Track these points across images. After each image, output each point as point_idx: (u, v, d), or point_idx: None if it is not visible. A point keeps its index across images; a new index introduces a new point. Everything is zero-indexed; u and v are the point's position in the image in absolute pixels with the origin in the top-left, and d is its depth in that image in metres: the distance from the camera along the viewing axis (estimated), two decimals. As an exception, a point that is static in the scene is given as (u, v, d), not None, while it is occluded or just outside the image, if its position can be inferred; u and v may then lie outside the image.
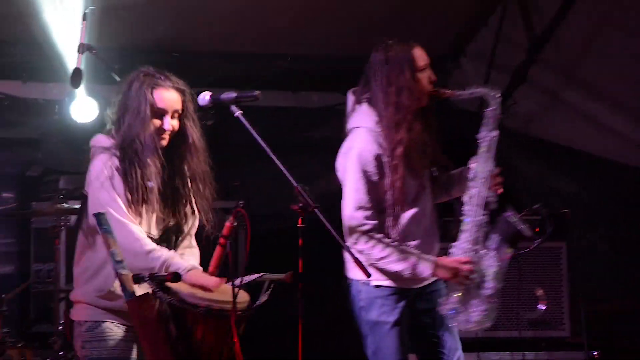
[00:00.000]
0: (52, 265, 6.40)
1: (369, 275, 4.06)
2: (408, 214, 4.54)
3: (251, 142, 4.15)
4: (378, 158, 4.49)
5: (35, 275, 6.96)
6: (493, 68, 7.47)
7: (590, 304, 6.59)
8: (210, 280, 4.16)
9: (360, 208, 4.49)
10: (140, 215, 4.26)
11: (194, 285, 4.12)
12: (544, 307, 6.59)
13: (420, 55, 4.57)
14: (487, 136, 4.54)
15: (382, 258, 4.49)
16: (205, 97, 4.25)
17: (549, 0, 6.88)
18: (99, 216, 4.06)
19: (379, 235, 4.49)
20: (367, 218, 4.49)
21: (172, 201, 4.38)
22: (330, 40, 7.34)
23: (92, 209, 4.20)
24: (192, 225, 4.46)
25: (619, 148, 7.11)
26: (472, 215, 4.49)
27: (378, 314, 4.56)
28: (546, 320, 6.60)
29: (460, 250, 4.52)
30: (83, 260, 4.32)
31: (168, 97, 4.33)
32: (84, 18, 5.95)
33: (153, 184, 4.27)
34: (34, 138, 7.54)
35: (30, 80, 7.50)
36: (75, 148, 7.23)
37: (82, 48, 5.92)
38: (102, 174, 4.23)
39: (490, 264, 4.46)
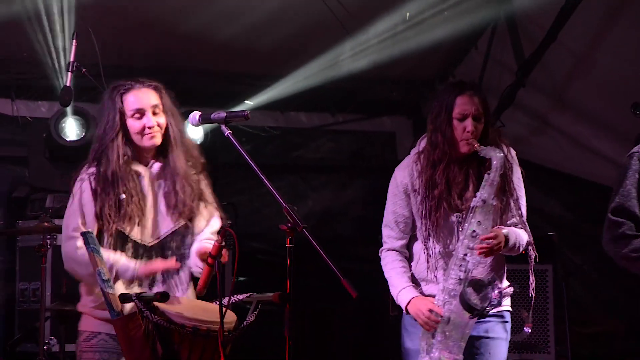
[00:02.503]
0: (37, 285, 6.36)
1: (355, 294, 4.03)
2: (433, 247, 4.53)
3: (240, 162, 4.15)
4: (405, 186, 4.58)
5: (21, 294, 6.91)
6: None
7: (575, 326, 6.60)
8: (161, 263, 4.33)
9: (385, 226, 4.66)
10: (128, 225, 4.32)
11: (148, 275, 4.30)
12: (529, 330, 6.58)
13: (461, 104, 4.49)
14: (479, 200, 4.40)
15: (387, 278, 4.63)
16: (195, 116, 4.24)
17: (538, 24, 6.91)
18: (85, 235, 4.08)
19: (393, 256, 4.62)
20: (388, 237, 4.64)
21: (175, 202, 4.41)
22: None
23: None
24: (206, 218, 4.50)
25: (605, 171, 7.12)
26: (454, 270, 4.42)
27: (406, 341, 4.63)
28: (532, 343, 6.59)
29: (438, 296, 4.48)
30: None
31: (141, 95, 4.38)
32: (75, 37, 5.97)
33: (124, 195, 4.29)
34: (22, 156, 7.52)
35: (20, 98, 7.51)
36: (63, 167, 7.27)
37: (72, 66, 5.94)
38: (72, 192, 4.36)
39: (457, 320, 4.40)
